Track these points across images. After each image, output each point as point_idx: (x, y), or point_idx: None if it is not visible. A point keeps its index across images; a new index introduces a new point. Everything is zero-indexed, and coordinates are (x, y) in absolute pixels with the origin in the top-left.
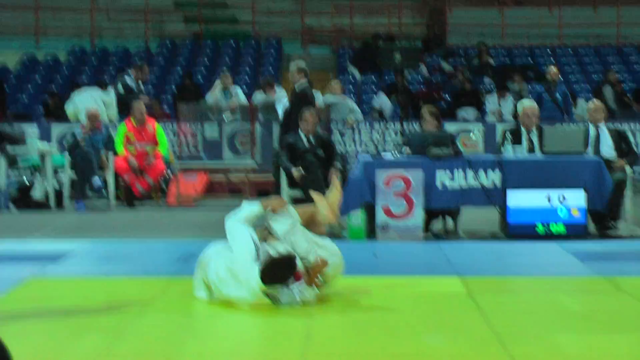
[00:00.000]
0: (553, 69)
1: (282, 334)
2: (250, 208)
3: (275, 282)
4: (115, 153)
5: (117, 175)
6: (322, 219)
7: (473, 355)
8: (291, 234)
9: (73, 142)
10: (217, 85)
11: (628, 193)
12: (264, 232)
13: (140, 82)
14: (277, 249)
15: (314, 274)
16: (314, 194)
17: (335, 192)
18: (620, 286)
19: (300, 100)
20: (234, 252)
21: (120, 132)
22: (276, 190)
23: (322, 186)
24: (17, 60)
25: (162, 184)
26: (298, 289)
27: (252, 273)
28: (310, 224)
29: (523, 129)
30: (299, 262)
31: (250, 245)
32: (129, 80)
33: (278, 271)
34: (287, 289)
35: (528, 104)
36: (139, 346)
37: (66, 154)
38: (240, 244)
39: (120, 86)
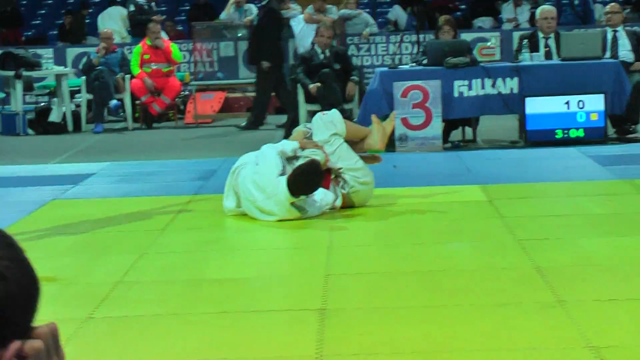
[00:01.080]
0: None
1: (306, 247)
2: (289, 143)
3: (303, 192)
4: (132, 74)
5: (134, 97)
6: (371, 144)
7: (497, 262)
8: (330, 144)
9: (88, 64)
10: (231, 3)
11: None
12: (302, 136)
13: (153, 2)
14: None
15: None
16: (374, 119)
17: (391, 123)
18: None
19: (270, 19)
20: (259, 167)
21: (136, 53)
22: (293, 105)
23: (340, 99)
24: None
25: (179, 104)
26: (321, 197)
27: (280, 186)
28: (353, 141)
29: (541, 35)
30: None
31: (277, 161)
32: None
33: (306, 179)
34: (312, 199)
35: (547, 7)
36: (164, 262)
37: (83, 77)
38: (268, 160)
39: (132, 6)
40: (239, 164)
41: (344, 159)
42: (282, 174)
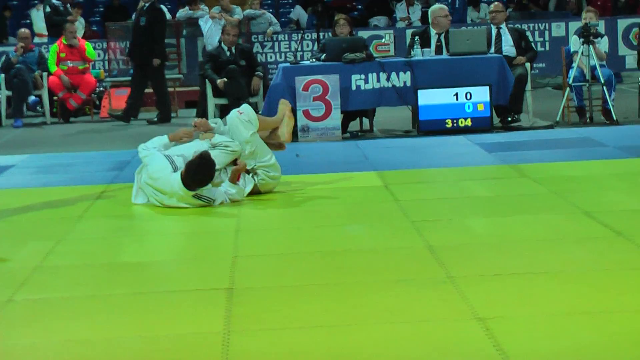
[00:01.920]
0: None
1: (214, 232)
2: (158, 138)
3: (198, 185)
4: (49, 72)
5: (51, 93)
6: (279, 136)
7: (392, 242)
8: (251, 144)
9: (7, 63)
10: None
11: (528, 87)
12: (206, 134)
13: (68, 4)
14: (189, 153)
15: (235, 175)
16: (286, 111)
17: (291, 119)
18: (524, 172)
19: (156, 18)
20: (150, 170)
21: (53, 52)
22: (202, 99)
23: (246, 93)
24: None
25: (95, 99)
26: (225, 189)
27: (175, 183)
28: (264, 133)
29: (433, 32)
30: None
31: (163, 160)
32: (55, 1)
33: (199, 172)
34: (216, 189)
35: (438, 6)
36: (81, 248)
37: (1, 74)
38: (154, 162)
39: (47, 7)
40: (141, 164)
41: (261, 156)
42: (175, 170)
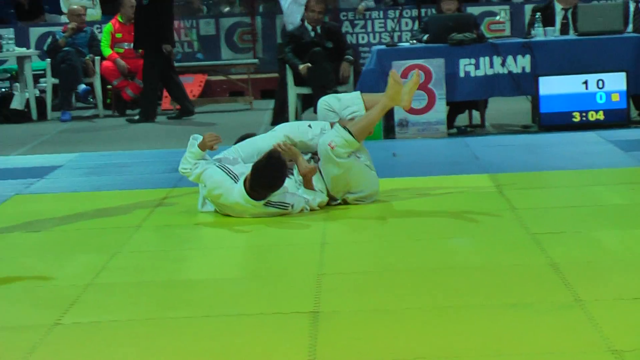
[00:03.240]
0: None
1: (295, 244)
2: (189, 152)
3: (268, 189)
4: (102, 56)
5: (104, 80)
6: (401, 101)
7: (507, 259)
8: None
9: (53, 45)
10: None
11: None
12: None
13: None
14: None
15: (308, 181)
16: (394, 75)
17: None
18: None
19: None
20: (209, 189)
21: (106, 32)
22: (281, 88)
23: (332, 81)
24: None
25: None
26: (305, 193)
27: (238, 195)
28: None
29: (558, 8)
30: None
31: (218, 173)
32: None
33: (267, 174)
34: (292, 194)
35: None
36: (138, 262)
37: (48, 59)
38: (208, 179)
39: None
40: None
41: (355, 188)
42: (236, 180)
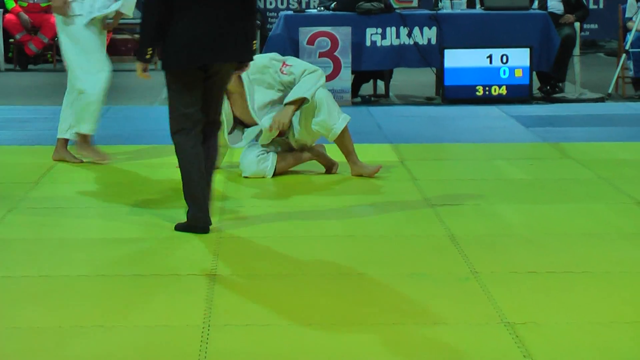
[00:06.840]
0: None
1: None
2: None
3: None
4: (5, 9)
5: (7, 34)
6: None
7: (406, 228)
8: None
9: None
10: None
11: (576, 52)
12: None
13: None
14: None
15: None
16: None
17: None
18: (567, 152)
19: None
20: None
21: None
22: None
23: None
24: None
25: (58, 44)
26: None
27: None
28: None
29: None
30: None
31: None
32: None
33: None
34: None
35: None
36: (35, 219)
37: None
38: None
39: None
40: None
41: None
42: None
